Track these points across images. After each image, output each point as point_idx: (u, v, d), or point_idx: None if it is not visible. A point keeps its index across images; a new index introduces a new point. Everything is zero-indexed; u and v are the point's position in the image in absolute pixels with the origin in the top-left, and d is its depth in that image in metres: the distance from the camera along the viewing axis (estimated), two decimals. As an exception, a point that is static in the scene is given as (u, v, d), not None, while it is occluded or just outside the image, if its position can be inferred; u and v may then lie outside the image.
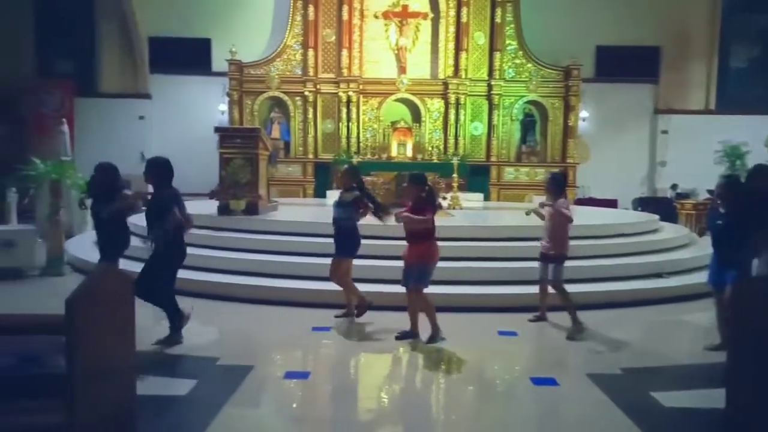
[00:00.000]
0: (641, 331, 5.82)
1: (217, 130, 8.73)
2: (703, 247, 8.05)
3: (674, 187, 15.37)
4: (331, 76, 14.70)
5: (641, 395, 3.92)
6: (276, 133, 14.44)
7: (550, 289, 5.52)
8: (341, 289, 5.58)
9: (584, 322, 5.30)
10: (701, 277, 5.68)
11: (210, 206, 8.40)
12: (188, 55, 15.78)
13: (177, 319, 4.71)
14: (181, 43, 15.68)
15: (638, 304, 6.40)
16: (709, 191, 12.53)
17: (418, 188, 4.88)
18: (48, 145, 13.36)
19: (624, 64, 16.15)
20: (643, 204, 14.34)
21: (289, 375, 4.24)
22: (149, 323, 5.00)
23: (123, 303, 3.37)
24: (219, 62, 15.20)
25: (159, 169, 4.68)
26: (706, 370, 4.40)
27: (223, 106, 15.43)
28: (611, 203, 14.75)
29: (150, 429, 3.20)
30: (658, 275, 7.10)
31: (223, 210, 8.12)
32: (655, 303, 6.47)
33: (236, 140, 8.38)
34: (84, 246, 8.17)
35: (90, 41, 15.83)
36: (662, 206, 12.80)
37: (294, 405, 3.92)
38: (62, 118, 13.64)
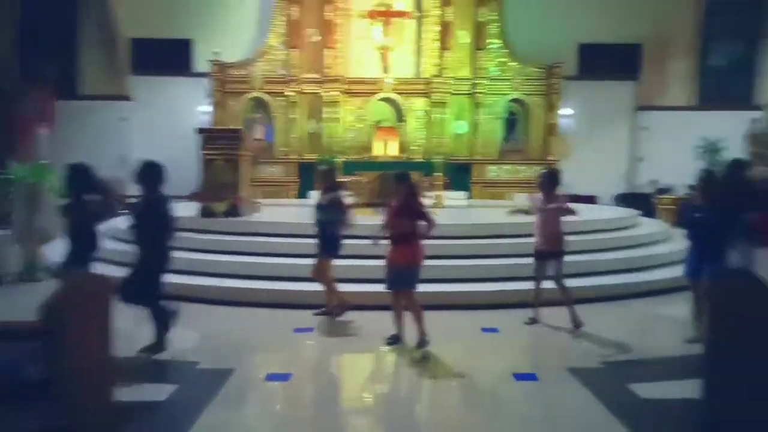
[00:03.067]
0: (620, 324, 5.88)
1: (199, 131, 8.68)
2: (681, 242, 8.18)
3: (654, 182, 15.55)
4: (315, 76, 14.67)
5: (620, 388, 3.97)
6: (259, 133, 14.37)
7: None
8: (323, 288, 5.58)
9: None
10: (679, 271, 5.75)
11: (192, 208, 8.34)
12: (170, 56, 15.67)
13: (163, 327, 4.60)
14: (162, 44, 15.57)
15: (618, 298, 6.49)
16: (690, 186, 12.73)
17: (403, 186, 4.84)
18: (29, 149, 13.22)
19: (606, 61, 16.32)
20: (624, 200, 14.51)
21: (271, 377, 4.23)
22: (128, 329, 4.95)
23: (101, 307, 3.35)
24: (201, 63, 15.10)
25: (150, 173, 4.53)
26: (683, 362, 4.48)
27: (206, 107, 15.33)
28: (591, 199, 14.91)
29: (128, 434, 3.17)
30: (638, 269, 7.19)
31: (206, 212, 8.07)
32: (635, 297, 6.56)
33: (219, 141, 8.34)
34: (61, 251, 8.06)
35: (71, 43, 15.65)
36: (642, 202, 12.97)
37: (275, 407, 3.91)
38: (43, 122, 13.50)
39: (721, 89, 16.87)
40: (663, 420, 3.57)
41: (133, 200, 4.94)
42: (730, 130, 12.89)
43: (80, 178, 4.69)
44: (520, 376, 4.23)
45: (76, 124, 15.25)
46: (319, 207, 5.51)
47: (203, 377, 4.19)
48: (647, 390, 3.91)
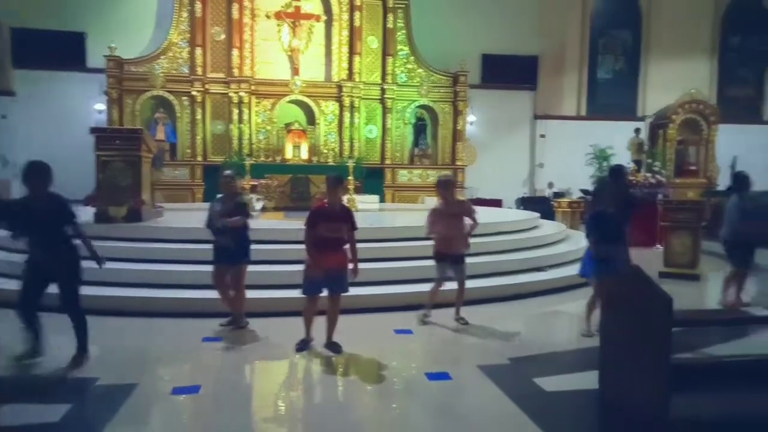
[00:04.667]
0: (525, 322, 6.19)
1: (93, 130, 8.10)
2: (577, 242, 8.77)
3: (550, 185, 16.61)
4: (221, 75, 14.20)
5: (526, 382, 4.17)
6: (161, 134, 13.68)
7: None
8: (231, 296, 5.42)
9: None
10: (576, 269, 6.14)
11: (86, 213, 7.75)
12: (59, 50, 14.54)
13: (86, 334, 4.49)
14: (50, 36, 14.39)
15: (522, 297, 6.84)
16: (583, 191, 13.73)
17: (340, 189, 4.79)
18: None
19: (506, 71, 17.23)
20: (525, 203, 15.35)
21: (178, 390, 4.00)
22: (8, 344, 4.50)
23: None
24: (95, 58, 14.15)
25: (46, 174, 4.30)
26: (583, 355, 4.79)
27: (101, 106, 14.35)
28: (496, 203, 15.64)
29: (14, 463, 2.87)
30: (539, 269, 7.62)
31: (102, 217, 7.54)
32: (537, 295, 6.95)
33: (115, 142, 7.83)
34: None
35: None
36: (541, 205, 13.78)
37: (183, 422, 3.71)
38: None
39: (608, 101, 18.42)
40: (566, 411, 3.79)
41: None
42: (617, 139, 14.05)
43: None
44: (432, 376, 4.32)
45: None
46: (228, 212, 5.32)
47: (102, 394, 3.89)
48: (551, 383, 4.14)
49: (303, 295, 4.83)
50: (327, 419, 3.69)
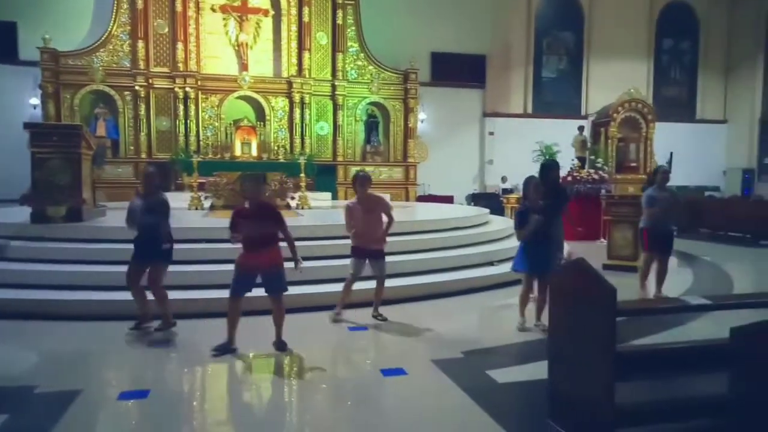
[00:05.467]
0: (477, 315, 6.32)
1: (27, 126, 7.68)
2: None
3: (504, 179, 16.94)
4: (165, 70, 13.77)
5: (479, 375, 4.25)
6: (101, 130, 13.13)
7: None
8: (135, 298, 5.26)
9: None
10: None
11: (22, 213, 7.36)
12: (-13, 41, 13.70)
13: None
14: (-23, 25, 13.54)
15: (474, 291, 6.96)
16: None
17: (263, 188, 4.76)
18: None
19: (456, 70, 17.49)
20: (476, 199, 15.64)
21: (125, 395, 3.86)
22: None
23: None
24: (28, 50, 13.39)
25: None
26: (533, 346, 4.93)
27: (36, 100, 13.63)
28: (448, 199, 15.86)
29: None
30: (490, 263, 7.78)
31: (39, 217, 7.16)
32: (488, 289, 7.10)
33: (53, 138, 7.44)
34: None
35: None
36: (491, 201, 14.08)
37: (132, 428, 3.58)
38: None
39: (553, 99, 19.01)
40: (517, 401, 3.89)
41: None
42: (562, 136, 14.49)
43: None
44: (387, 372, 4.33)
45: None
46: (151, 209, 5.13)
47: (42, 402, 3.69)
48: (503, 375, 4.24)
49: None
50: (282, 419, 3.65)
